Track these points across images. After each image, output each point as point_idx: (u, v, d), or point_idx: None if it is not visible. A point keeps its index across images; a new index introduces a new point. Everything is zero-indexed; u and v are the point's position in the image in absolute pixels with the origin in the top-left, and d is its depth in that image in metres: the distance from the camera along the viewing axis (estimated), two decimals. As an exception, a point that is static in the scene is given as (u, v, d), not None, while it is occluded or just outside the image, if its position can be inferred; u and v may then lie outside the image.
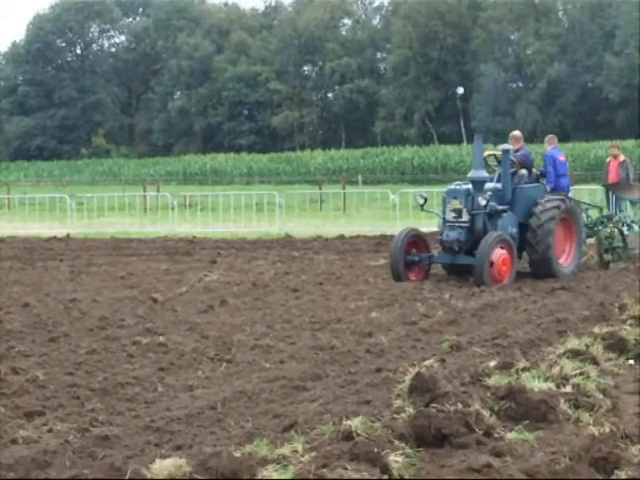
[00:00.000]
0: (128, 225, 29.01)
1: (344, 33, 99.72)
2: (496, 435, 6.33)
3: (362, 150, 73.40)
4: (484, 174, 15.73)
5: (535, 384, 7.30)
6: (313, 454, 5.78)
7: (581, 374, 7.73)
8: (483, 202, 15.19)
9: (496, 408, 6.76)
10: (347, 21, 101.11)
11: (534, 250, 15.62)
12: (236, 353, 9.74)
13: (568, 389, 7.30)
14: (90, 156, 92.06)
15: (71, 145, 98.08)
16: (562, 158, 17.33)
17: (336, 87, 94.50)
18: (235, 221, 28.59)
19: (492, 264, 14.70)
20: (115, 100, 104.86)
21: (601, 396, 7.27)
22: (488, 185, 15.70)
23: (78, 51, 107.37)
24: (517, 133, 17.22)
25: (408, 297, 13.62)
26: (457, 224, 15.47)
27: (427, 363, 8.66)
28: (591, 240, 17.61)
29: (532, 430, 6.49)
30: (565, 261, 16.16)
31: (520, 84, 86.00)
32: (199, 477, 5.43)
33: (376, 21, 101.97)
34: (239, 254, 20.80)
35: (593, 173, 40.39)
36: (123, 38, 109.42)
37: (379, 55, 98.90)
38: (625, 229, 17.76)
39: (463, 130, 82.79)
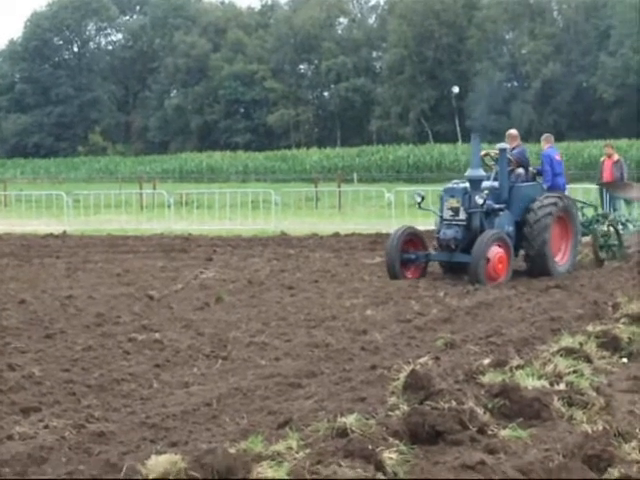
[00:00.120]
0: (124, 222, 29.01)
1: (340, 32, 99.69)
2: (490, 432, 6.35)
3: (358, 148, 73.35)
4: (481, 173, 15.78)
5: (529, 382, 7.32)
6: (308, 451, 5.80)
7: (575, 372, 7.75)
8: (480, 201, 15.24)
9: (490, 406, 6.78)
10: (343, 20, 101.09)
11: (531, 247, 15.67)
12: (231, 350, 9.76)
13: (562, 387, 7.31)
14: (87, 153, 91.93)
15: (68, 142, 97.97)
16: (558, 157, 17.38)
17: (332, 86, 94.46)
18: (231, 219, 28.59)
19: (488, 261, 14.74)
20: (112, 98, 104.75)
21: (594, 394, 7.29)
22: (485, 184, 15.75)
23: (75, 49, 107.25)
24: (513, 131, 17.29)
25: (403, 295, 13.65)
26: (454, 222, 15.52)
27: (421, 361, 8.70)
28: (586, 238, 17.66)
29: (526, 427, 6.52)
30: (561, 259, 16.21)
31: (515, 83, 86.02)
32: (194, 473, 5.44)
33: (372, 20, 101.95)
34: (235, 252, 20.82)
35: (587, 172, 40.42)
36: (120, 36, 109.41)
37: (375, 54, 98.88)
38: (620, 228, 17.81)
39: (458, 129, 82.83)
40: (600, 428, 6.38)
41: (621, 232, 17.67)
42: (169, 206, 30.03)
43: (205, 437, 6.67)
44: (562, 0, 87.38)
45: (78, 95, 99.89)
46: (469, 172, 15.84)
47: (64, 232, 25.67)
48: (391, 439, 5.98)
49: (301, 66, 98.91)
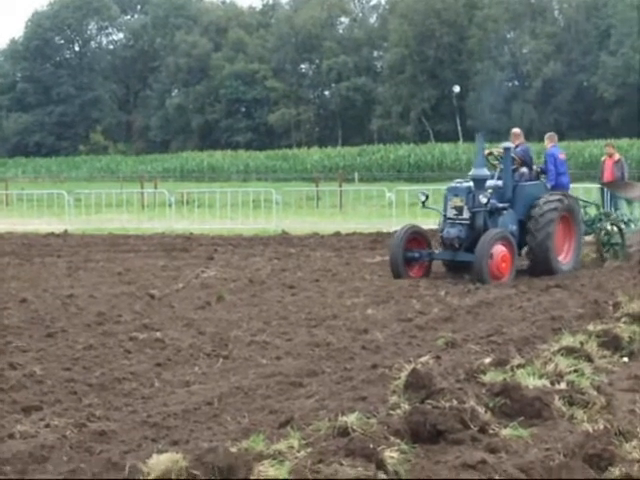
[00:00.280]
0: (126, 221, 29.02)
1: (341, 31, 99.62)
2: (491, 431, 6.35)
3: (359, 148, 73.32)
4: (485, 172, 15.81)
5: (530, 381, 7.33)
6: (309, 450, 5.81)
7: (575, 371, 7.75)
8: (484, 200, 15.27)
9: (491, 405, 6.78)
10: (344, 19, 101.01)
11: (534, 246, 15.69)
12: (233, 349, 9.77)
13: (562, 386, 7.32)
14: (88, 152, 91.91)
15: (69, 142, 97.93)
16: (562, 156, 17.39)
17: (333, 85, 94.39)
18: (232, 218, 28.60)
19: (491, 256, 14.75)
20: (113, 97, 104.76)
21: (595, 393, 7.30)
22: (489, 183, 15.77)
23: (76, 48, 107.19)
24: (517, 130, 17.38)
25: (404, 294, 13.66)
26: (458, 221, 15.55)
27: (422, 360, 8.71)
28: (589, 238, 17.67)
29: (527, 427, 6.52)
30: (564, 258, 16.24)
31: (516, 83, 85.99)
32: (195, 472, 5.44)
33: (373, 19, 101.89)
34: (236, 251, 20.83)
35: (588, 172, 40.42)
36: (121, 35, 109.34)
37: (376, 53, 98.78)
38: (623, 226, 17.83)
39: (459, 128, 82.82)
40: (601, 427, 6.38)
41: (624, 231, 17.70)
42: (170, 205, 30.04)
43: (206, 436, 6.68)
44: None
45: (79, 94, 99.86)
46: (473, 171, 15.87)
47: (65, 231, 25.68)
48: (392, 438, 5.98)
49: (302, 65, 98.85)
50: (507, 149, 15.98)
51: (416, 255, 15.90)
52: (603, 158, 23.84)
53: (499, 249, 14.92)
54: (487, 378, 7.53)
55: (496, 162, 16.41)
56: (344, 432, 6.03)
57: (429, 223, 18.46)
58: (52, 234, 25.03)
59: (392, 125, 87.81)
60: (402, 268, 15.59)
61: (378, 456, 5.63)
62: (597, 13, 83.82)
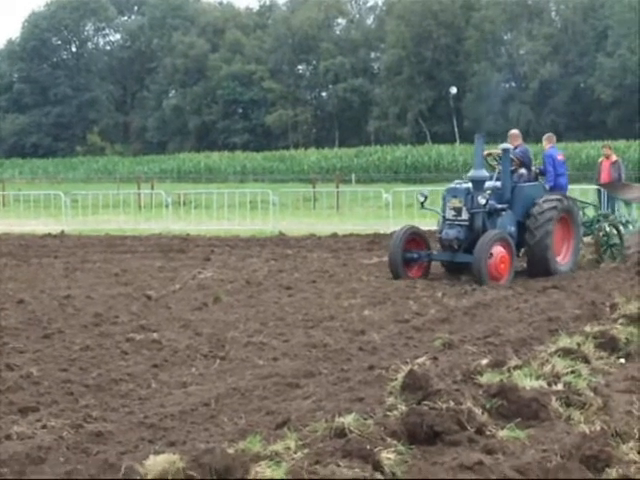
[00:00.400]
0: (122, 222, 29.01)
1: (338, 32, 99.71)
2: (488, 433, 6.36)
3: (356, 149, 73.40)
4: (484, 173, 15.83)
5: (527, 382, 7.33)
6: (306, 451, 5.81)
7: (572, 372, 7.76)
8: (483, 201, 15.29)
9: (488, 406, 6.79)
10: (341, 20, 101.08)
11: (533, 244, 15.72)
12: (229, 350, 9.77)
13: (559, 387, 7.32)
14: (85, 154, 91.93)
15: (66, 143, 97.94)
16: (560, 157, 17.41)
17: (330, 86, 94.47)
18: (229, 219, 28.59)
19: (491, 255, 14.76)
20: (110, 98, 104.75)
21: (592, 394, 7.30)
22: (488, 184, 15.79)
23: (73, 49, 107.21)
24: (516, 131, 17.40)
25: (401, 295, 13.67)
26: (457, 222, 15.57)
27: (419, 361, 8.71)
28: (587, 239, 17.69)
29: (523, 428, 6.53)
30: (563, 259, 16.26)
31: (513, 84, 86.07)
32: (192, 473, 5.45)
33: (370, 21, 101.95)
34: (233, 252, 20.83)
35: (585, 173, 40.48)
36: (118, 36, 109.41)
37: (373, 54, 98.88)
38: (621, 228, 17.86)
39: (456, 130, 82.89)
40: (598, 428, 6.39)
41: (622, 232, 17.73)
42: (167, 206, 30.02)
43: (203, 437, 6.68)
44: (560, 1, 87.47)
45: (76, 95, 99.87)
46: (472, 172, 15.89)
47: (62, 232, 25.68)
48: (389, 439, 5.99)
49: (299, 66, 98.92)
50: (506, 150, 16.00)
51: (415, 256, 15.92)
52: (600, 159, 23.87)
53: (498, 250, 14.94)
54: (484, 379, 7.53)
55: (495, 163, 16.42)
56: (341, 433, 6.04)
57: (426, 224, 18.47)
58: (49, 235, 25.03)
59: (389, 126, 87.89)
60: (401, 269, 15.62)
61: (375, 457, 5.63)
62: (594, 14, 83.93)
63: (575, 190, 25.25)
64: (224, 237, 24.07)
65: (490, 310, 12.23)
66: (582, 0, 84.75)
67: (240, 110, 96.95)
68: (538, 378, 7.52)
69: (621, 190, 20.21)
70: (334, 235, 23.79)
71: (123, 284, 15.39)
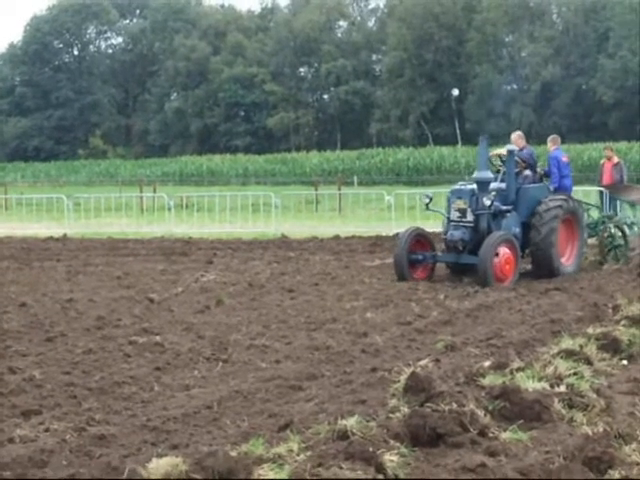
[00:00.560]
0: (125, 225, 29.02)
1: (340, 35, 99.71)
2: (490, 435, 6.36)
3: (357, 151, 73.40)
4: (489, 175, 15.86)
5: (529, 384, 7.33)
6: (308, 453, 5.82)
7: (575, 374, 7.76)
8: (487, 202, 15.33)
9: (490, 408, 6.79)
10: (343, 23, 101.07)
11: (538, 241, 15.74)
12: (232, 353, 9.78)
13: (562, 389, 7.33)
14: (87, 157, 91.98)
15: (68, 146, 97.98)
16: (565, 159, 17.43)
17: (332, 88, 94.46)
18: (231, 222, 28.60)
19: (497, 255, 14.78)
20: (112, 101, 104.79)
21: (595, 396, 7.30)
22: (493, 185, 15.81)
23: (75, 52, 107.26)
24: (520, 133, 17.43)
25: (403, 297, 13.67)
26: (461, 224, 15.60)
27: (422, 363, 8.70)
28: (591, 240, 17.67)
29: (526, 430, 6.53)
30: (567, 260, 16.28)
31: (514, 86, 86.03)
32: (195, 476, 5.45)
33: (371, 23, 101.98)
34: (235, 254, 20.83)
35: (587, 174, 40.45)
36: (120, 39, 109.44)
37: (374, 57, 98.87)
38: (626, 229, 17.86)
39: (458, 132, 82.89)
40: (600, 430, 6.39)
41: (627, 234, 17.74)
42: (169, 209, 30.05)
43: (206, 440, 6.68)
44: (561, 3, 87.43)
45: (78, 98, 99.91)
46: (477, 174, 15.93)
47: (64, 235, 25.69)
48: (392, 441, 5.99)
49: (301, 69, 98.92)
50: (510, 152, 16.03)
51: (420, 257, 15.95)
52: (602, 161, 23.86)
53: (503, 251, 14.96)
54: (486, 381, 7.53)
55: (500, 164, 16.43)
56: (344, 435, 6.04)
57: (428, 226, 18.47)
58: (51, 238, 25.04)
59: (391, 129, 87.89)
60: (406, 270, 15.65)
61: (378, 459, 5.63)
62: (596, 16, 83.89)
63: (577, 192, 25.26)
64: (226, 240, 24.08)
65: (492, 312, 12.23)
66: (583, 2, 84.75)
67: (242, 113, 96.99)
68: (540, 380, 7.52)
69: (624, 192, 20.21)
70: (336, 237, 23.80)
71: (125, 287, 15.40)
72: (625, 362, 9.04)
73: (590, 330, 9.81)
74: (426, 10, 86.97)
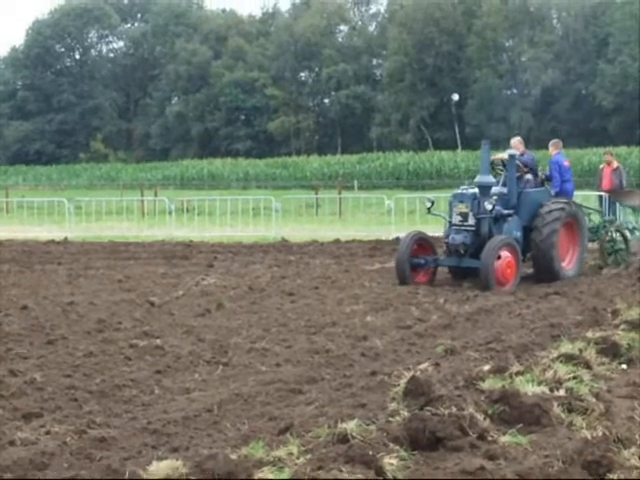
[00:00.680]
0: (126, 229, 29.03)
1: (340, 39, 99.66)
2: (490, 438, 6.37)
3: (358, 155, 73.36)
4: (490, 179, 15.92)
5: (529, 388, 7.34)
6: (308, 456, 5.83)
7: (574, 378, 7.77)
8: (489, 206, 15.39)
9: (490, 412, 6.80)
10: (343, 28, 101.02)
11: (539, 242, 15.77)
12: (232, 356, 9.79)
13: (561, 393, 7.34)
14: (88, 160, 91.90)
15: (69, 149, 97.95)
16: (566, 163, 17.47)
17: (332, 93, 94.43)
18: (232, 225, 28.62)
19: (499, 257, 14.82)
20: (113, 105, 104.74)
21: (594, 400, 7.31)
22: (494, 189, 15.86)
23: (77, 56, 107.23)
24: (520, 138, 17.50)
25: (403, 301, 13.69)
26: (463, 228, 15.64)
27: (422, 367, 8.73)
28: (592, 244, 17.70)
29: (525, 433, 6.54)
30: (568, 264, 16.31)
31: (514, 91, 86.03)
32: (195, 479, 5.47)
33: (372, 28, 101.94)
34: (236, 258, 20.86)
35: (586, 179, 40.47)
36: (121, 44, 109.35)
37: (375, 61, 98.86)
38: (628, 234, 17.89)
39: (458, 136, 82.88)
40: (600, 434, 6.40)
41: (629, 238, 17.76)
42: (170, 213, 30.07)
43: (206, 443, 6.70)
44: (561, 8, 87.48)
45: (80, 102, 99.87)
46: (478, 178, 16.00)
47: (65, 239, 25.70)
48: (391, 445, 6.00)
49: (302, 73, 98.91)
50: (512, 156, 16.09)
51: (422, 261, 15.99)
52: (602, 166, 23.89)
53: (505, 255, 15.00)
54: (486, 385, 7.54)
55: (501, 169, 16.47)
56: (343, 439, 6.05)
57: (428, 230, 18.48)
58: (52, 241, 25.05)
59: (391, 133, 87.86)
60: (408, 274, 15.67)
61: (377, 463, 5.65)
62: (595, 21, 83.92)
63: (577, 197, 25.27)
64: (227, 243, 24.09)
65: (492, 316, 12.25)
66: (583, 7, 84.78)
67: (243, 117, 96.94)
68: (540, 384, 7.53)
69: (626, 197, 20.24)
70: (336, 241, 23.82)
71: (126, 290, 15.42)
72: (624, 366, 9.05)
73: (589, 334, 9.82)
74: (427, 15, 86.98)
